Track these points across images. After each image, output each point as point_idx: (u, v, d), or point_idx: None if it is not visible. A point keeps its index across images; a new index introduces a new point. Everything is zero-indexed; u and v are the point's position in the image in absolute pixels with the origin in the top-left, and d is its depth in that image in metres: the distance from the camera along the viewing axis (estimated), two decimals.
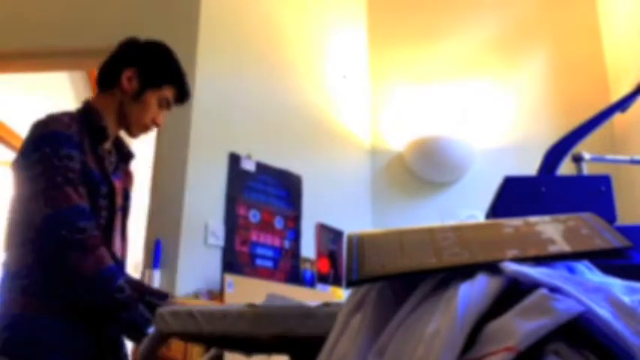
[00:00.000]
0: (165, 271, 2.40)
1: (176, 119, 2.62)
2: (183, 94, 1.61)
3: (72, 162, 1.37)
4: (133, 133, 1.60)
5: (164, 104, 1.58)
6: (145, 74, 1.54)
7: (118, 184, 1.56)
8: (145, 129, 1.59)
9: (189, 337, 1.28)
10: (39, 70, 3.27)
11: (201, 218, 2.54)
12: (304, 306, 1.01)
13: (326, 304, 1.00)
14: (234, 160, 2.75)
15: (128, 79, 1.53)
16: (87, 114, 1.51)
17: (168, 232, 2.45)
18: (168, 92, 1.57)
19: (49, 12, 2.89)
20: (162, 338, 1.16)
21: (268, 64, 3.09)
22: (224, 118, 2.78)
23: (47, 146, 1.37)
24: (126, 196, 1.62)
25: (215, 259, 2.54)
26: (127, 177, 1.66)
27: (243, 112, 2.88)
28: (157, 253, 2.40)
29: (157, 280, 2.35)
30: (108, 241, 1.45)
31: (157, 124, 1.59)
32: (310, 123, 3.24)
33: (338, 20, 3.65)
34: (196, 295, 2.39)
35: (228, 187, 2.68)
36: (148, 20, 2.72)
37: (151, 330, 1.29)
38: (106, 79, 1.56)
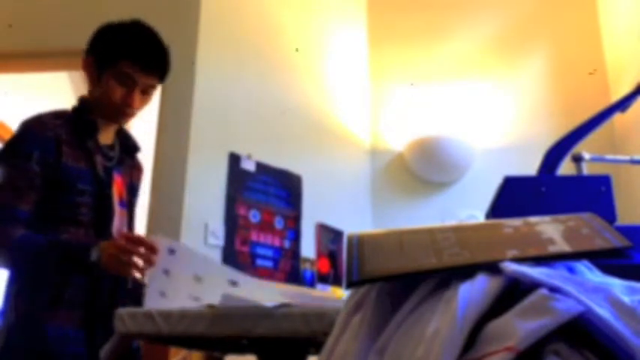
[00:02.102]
0: None
1: (176, 119, 2.62)
2: (144, 64, 1.47)
3: (28, 162, 1.37)
4: (114, 121, 1.54)
5: (127, 82, 1.46)
6: (98, 57, 1.50)
7: (119, 179, 1.54)
8: (120, 113, 1.50)
9: (149, 338, 1.28)
10: (39, 70, 3.27)
11: (201, 218, 2.54)
12: (261, 307, 1.02)
13: (284, 305, 1.01)
14: (234, 160, 2.75)
15: (87, 68, 1.51)
16: (79, 109, 1.52)
17: (168, 232, 2.45)
18: (124, 67, 1.45)
19: (49, 12, 2.90)
20: (123, 340, 1.16)
21: (268, 64, 3.09)
22: (224, 118, 2.78)
23: (13, 144, 1.41)
24: (131, 191, 1.60)
25: (215, 259, 2.54)
26: (134, 170, 1.64)
27: (243, 112, 2.88)
28: None
29: None
30: (101, 237, 1.43)
31: (128, 105, 1.47)
32: (310, 123, 3.24)
33: (338, 20, 3.65)
34: None
35: (228, 187, 2.68)
36: (148, 20, 2.71)
37: (93, 255, 1.31)
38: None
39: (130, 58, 1.46)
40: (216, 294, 1.11)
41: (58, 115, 1.48)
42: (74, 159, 1.43)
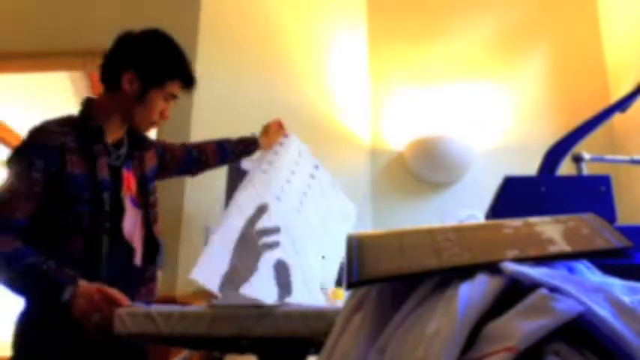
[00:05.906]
0: (165, 271, 2.39)
1: (176, 119, 2.61)
2: (189, 83, 1.58)
3: (29, 170, 1.35)
4: (141, 130, 1.59)
5: (170, 99, 1.56)
6: (145, 74, 1.49)
7: (129, 175, 1.53)
8: (153, 125, 1.58)
9: (149, 338, 1.28)
10: (39, 70, 3.27)
11: (201, 218, 2.54)
12: (261, 306, 1.02)
13: (284, 304, 1.01)
14: None
15: (129, 82, 1.49)
16: (86, 115, 1.50)
17: (169, 232, 2.45)
18: (172, 87, 1.54)
19: (49, 12, 2.89)
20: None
21: (268, 64, 3.09)
22: (224, 117, 2.78)
23: (17, 153, 1.40)
24: (144, 181, 1.59)
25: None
26: (147, 160, 1.63)
27: (243, 112, 2.88)
28: None
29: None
30: (106, 239, 1.43)
31: (164, 118, 1.58)
32: (310, 123, 3.24)
33: (338, 20, 3.65)
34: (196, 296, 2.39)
35: (228, 187, 2.68)
36: (148, 20, 2.71)
37: (66, 295, 1.27)
38: (108, 81, 1.53)
39: (178, 80, 1.54)
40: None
41: (64, 122, 1.46)
42: (79, 167, 1.41)
